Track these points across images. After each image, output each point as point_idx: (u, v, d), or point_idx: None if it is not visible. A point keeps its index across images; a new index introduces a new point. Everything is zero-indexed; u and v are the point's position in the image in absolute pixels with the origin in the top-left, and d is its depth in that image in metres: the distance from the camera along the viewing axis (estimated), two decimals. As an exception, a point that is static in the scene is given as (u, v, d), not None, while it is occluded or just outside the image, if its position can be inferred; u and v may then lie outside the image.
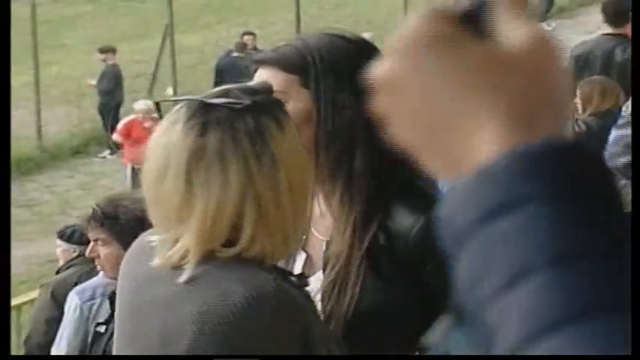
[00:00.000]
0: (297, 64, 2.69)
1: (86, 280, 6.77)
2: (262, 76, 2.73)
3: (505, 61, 0.95)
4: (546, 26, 23.79)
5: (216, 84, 18.11)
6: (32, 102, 18.28)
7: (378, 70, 0.97)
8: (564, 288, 0.86)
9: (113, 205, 5.26)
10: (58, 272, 8.19)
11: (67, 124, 18.83)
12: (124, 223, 5.12)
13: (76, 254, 8.15)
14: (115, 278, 3.54)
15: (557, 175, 0.92)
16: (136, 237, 3.09)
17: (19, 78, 18.71)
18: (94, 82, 18.33)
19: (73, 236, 8.38)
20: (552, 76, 0.97)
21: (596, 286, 0.88)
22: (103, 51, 18.73)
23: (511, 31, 0.96)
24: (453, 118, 0.95)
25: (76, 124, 18.69)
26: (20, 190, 16.33)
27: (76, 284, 6.66)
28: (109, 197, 5.72)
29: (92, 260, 7.42)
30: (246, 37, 18.99)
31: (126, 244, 3.99)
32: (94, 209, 5.26)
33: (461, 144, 0.95)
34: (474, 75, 0.95)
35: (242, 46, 18.46)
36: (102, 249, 5.23)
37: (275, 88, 2.64)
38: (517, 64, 0.95)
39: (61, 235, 8.49)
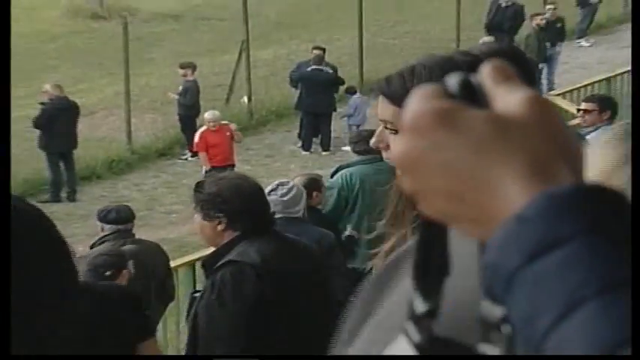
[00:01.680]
0: (403, 96, 2.27)
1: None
2: (378, 105, 2.72)
3: (511, 124, 0.94)
4: (585, 42, 23.69)
5: (300, 91, 18.13)
6: (123, 110, 18.43)
7: (394, 152, 0.98)
8: (617, 313, 0.85)
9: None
10: (92, 246, 8.36)
11: (154, 129, 18.83)
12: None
13: (107, 232, 8.77)
14: None
15: (588, 213, 0.90)
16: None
17: (112, 88, 19.97)
18: (175, 95, 18.36)
19: (106, 216, 8.96)
20: (557, 130, 0.96)
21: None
22: (183, 67, 18.71)
23: (506, 96, 0.95)
24: (476, 184, 0.94)
25: (161, 130, 18.72)
26: (113, 188, 16.66)
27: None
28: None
29: (124, 237, 8.72)
30: (316, 52, 18.36)
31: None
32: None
33: (489, 204, 0.93)
34: (486, 142, 0.93)
35: (318, 59, 18.02)
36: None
37: (386, 119, 2.63)
38: (522, 124, 0.94)
39: (98, 215, 9.15)
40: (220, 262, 4.99)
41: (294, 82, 18.12)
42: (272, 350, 5.06)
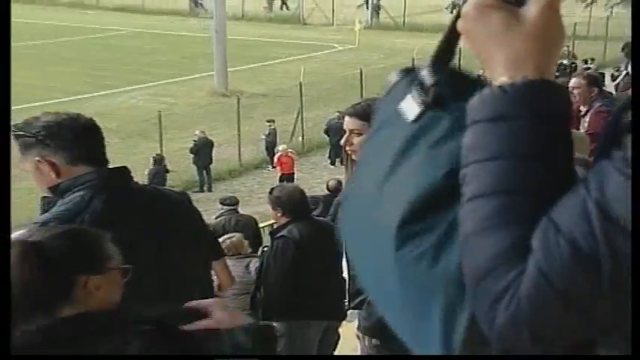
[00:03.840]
0: (367, 113, 3.20)
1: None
2: (345, 121, 3.45)
3: (513, 25, 1.14)
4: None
5: (329, 134, 20.59)
6: (237, 144, 22.17)
7: (461, 18, 1.17)
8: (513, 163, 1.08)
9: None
10: (216, 218, 9.23)
11: (253, 153, 22.67)
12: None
13: (224, 210, 10.02)
14: None
15: (535, 102, 1.09)
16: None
17: (231, 132, 22.79)
18: (263, 135, 21.98)
19: (224, 201, 10.35)
20: (546, 34, 1.13)
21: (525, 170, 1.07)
22: (268, 121, 22.31)
23: (535, 3, 1.13)
24: (485, 56, 1.17)
25: (257, 153, 22.53)
26: (230, 186, 19.77)
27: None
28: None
29: (233, 213, 9.83)
30: (337, 113, 19.53)
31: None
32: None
33: (489, 69, 1.16)
34: (494, 33, 1.15)
35: (337, 118, 19.40)
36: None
37: (352, 128, 3.39)
38: (521, 26, 1.13)
39: (220, 201, 10.62)
40: (277, 235, 5.88)
41: (325, 130, 21.92)
42: (302, 290, 5.71)
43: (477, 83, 1.25)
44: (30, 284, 2.16)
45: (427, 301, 1.21)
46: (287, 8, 49.66)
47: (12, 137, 2.85)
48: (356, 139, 3.35)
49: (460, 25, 1.19)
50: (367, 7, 47.11)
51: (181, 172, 20.26)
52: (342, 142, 3.49)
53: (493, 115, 1.11)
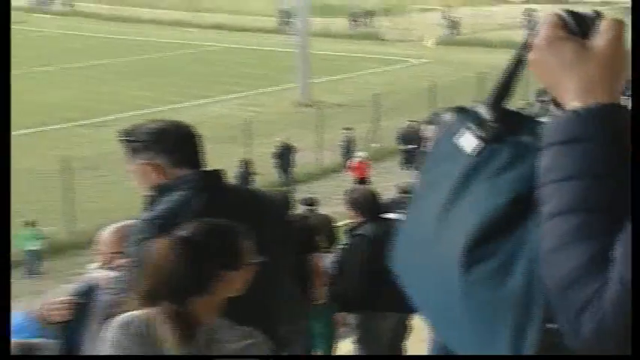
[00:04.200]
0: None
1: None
2: (427, 130, 3.42)
3: (583, 55, 1.15)
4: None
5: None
6: (316, 149, 22.97)
7: (533, 50, 1.17)
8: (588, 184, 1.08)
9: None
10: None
11: (332, 158, 23.18)
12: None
13: (305, 210, 9.78)
14: None
15: (606, 124, 1.10)
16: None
17: (312, 139, 23.41)
18: (341, 143, 23.04)
19: (305, 201, 10.38)
20: (613, 63, 1.14)
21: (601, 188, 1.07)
22: (345, 129, 23.26)
23: (602, 35, 1.14)
24: (557, 85, 1.17)
25: (334, 158, 23.05)
26: (311, 187, 19.93)
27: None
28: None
29: (312, 212, 9.43)
30: (408, 122, 21.82)
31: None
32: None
33: (560, 97, 1.17)
34: (565, 63, 1.16)
35: (410, 126, 21.75)
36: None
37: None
38: (594, 55, 1.14)
39: (300, 201, 10.09)
40: (353, 233, 6.02)
41: (398, 137, 22.96)
42: (373, 281, 5.66)
43: (529, 119, 1.29)
44: (174, 274, 2.23)
45: (494, 322, 1.22)
46: (371, 26, 49.93)
47: (121, 142, 2.98)
48: None
49: (531, 57, 1.20)
50: (444, 24, 47.40)
51: (266, 174, 20.82)
52: (425, 149, 3.50)
53: (567, 137, 1.12)
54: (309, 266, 6.00)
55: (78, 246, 16.97)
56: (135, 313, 2.28)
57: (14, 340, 4.12)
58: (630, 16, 1.23)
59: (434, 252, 1.30)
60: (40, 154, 23.07)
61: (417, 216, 1.38)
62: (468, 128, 1.33)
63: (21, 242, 17.01)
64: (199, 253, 2.27)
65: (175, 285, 2.23)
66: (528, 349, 1.20)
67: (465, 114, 1.37)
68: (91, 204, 18.82)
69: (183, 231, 2.33)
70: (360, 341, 5.99)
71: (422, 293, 1.38)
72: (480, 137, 1.31)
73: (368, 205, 5.95)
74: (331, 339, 6.38)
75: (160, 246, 2.25)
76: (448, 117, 1.38)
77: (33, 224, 17.42)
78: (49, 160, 20.73)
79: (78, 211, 18.51)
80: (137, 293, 2.28)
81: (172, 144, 2.94)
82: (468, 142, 1.32)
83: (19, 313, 4.29)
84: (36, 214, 18.17)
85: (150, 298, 2.24)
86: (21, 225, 17.24)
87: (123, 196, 18.21)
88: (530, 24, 1.47)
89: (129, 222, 3.31)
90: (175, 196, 2.82)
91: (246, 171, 20.02)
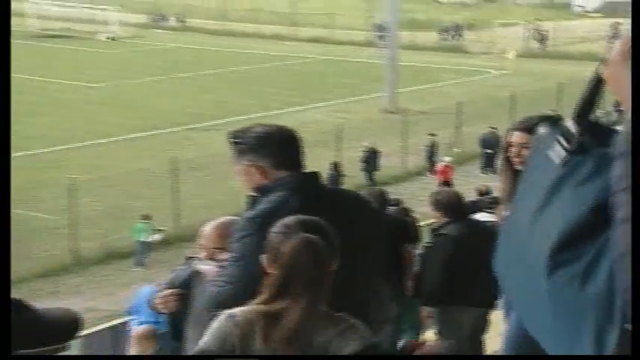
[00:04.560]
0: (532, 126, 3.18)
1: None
2: (514, 136, 3.55)
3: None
4: None
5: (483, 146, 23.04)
6: (401, 153, 23.17)
7: (608, 64, 1.17)
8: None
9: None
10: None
11: (416, 162, 23.35)
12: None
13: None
14: None
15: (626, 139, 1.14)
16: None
17: (396, 144, 23.54)
18: (424, 146, 22.99)
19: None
20: None
21: None
22: (430, 134, 23.24)
23: None
24: (623, 96, 1.18)
25: (418, 162, 23.44)
26: (396, 189, 19.45)
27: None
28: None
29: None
30: (490, 129, 22.47)
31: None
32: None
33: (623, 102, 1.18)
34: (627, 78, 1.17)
35: (491, 132, 22.29)
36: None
37: (522, 142, 3.43)
38: None
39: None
40: (437, 232, 5.94)
41: (479, 143, 23.20)
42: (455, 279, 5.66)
43: (612, 130, 1.30)
44: (303, 272, 2.23)
45: (578, 321, 1.24)
46: (458, 39, 49.88)
47: (230, 143, 2.98)
48: (524, 152, 3.34)
49: (606, 72, 1.21)
50: (532, 38, 46.99)
51: (354, 177, 20.90)
52: (510, 154, 3.51)
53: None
54: (402, 259, 6.07)
55: (183, 239, 17.37)
56: (244, 308, 2.26)
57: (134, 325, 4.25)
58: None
59: (525, 255, 1.34)
60: (152, 156, 23.60)
61: (514, 220, 1.43)
62: (557, 141, 1.37)
63: (136, 234, 17.41)
64: (329, 253, 2.28)
65: (304, 282, 2.22)
66: (609, 349, 1.19)
67: (555, 127, 1.40)
68: (195, 201, 19.21)
69: (306, 230, 2.31)
70: (441, 333, 5.97)
71: (516, 292, 1.40)
72: (566, 149, 1.35)
73: (452, 207, 5.89)
74: (417, 329, 6.39)
75: (290, 244, 2.24)
76: (542, 130, 1.43)
77: (148, 218, 17.75)
78: (160, 160, 21.15)
79: (183, 208, 18.88)
80: (265, 288, 2.26)
81: (275, 147, 2.94)
82: (557, 153, 1.37)
83: (147, 287, 4.38)
84: (147, 209, 18.61)
85: (276, 294, 2.23)
86: (138, 218, 17.77)
87: (224, 194, 18.78)
88: (613, 37, 1.48)
89: (230, 218, 3.32)
90: (274, 197, 2.82)
91: (336, 173, 20.25)
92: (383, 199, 6.39)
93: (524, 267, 1.33)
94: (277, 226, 2.32)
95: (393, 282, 5.87)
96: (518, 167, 3.45)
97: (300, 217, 2.36)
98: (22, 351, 1.84)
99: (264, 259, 2.30)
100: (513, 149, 3.52)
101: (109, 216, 19.27)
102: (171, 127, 28.57)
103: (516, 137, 3.53)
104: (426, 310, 6.03)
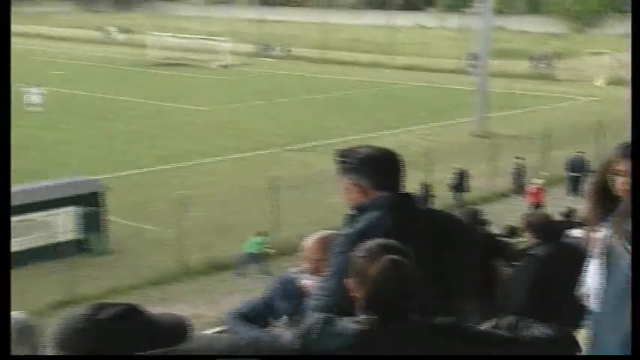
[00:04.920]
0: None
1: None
2: (623, 164, 3.11)
3: None
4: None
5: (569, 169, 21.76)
6: (487, 176, 22.99)
7: None
8: None
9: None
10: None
11: (503, 184, 23.17)
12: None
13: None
14: None
15: None
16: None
17: (489, 168, 23.40)
18: (510, 170, 23.11)
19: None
20: None
21: None
22: (516, 157, 22.89)
23: None
24: None
25: (502, 185, 23.15)
26: (485, 209, 21.43)
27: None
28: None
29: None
30: (577, 153, 22.23)
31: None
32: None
33: None
34: None
35: (577, 156, 22.07)
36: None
37: (626, 169, 3.05)
38: None
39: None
40: (527, 253, 5.85)
41: (566, 166, 22.88)
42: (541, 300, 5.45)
43: None
44: (396, 290, 2.27)
45: None
46: (548, 67, 49.00)
47: (335, 162, 2.98)
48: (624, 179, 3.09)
49: None
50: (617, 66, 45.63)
51: (442, 197, 20.77)
52: (613, 180, 3.19)
53: None
54: (494, 277, 5.93)
55: (282, 252, 17.47)
56: (345, 322, 2.28)
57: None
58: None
59: None
60: (254, 174, 23.86)
61: None
62: None
63: (249, 247, 17.56)
64: (409, 269, 2.29)
65: (394, 300, 2.24)
66: None
67: None
68: (293, 217, 19.28)
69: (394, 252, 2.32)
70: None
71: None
72: None
73: (542, 228, 5.77)
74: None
75: (377, 266, 2.25)
76: None
77: (264, 234, 17.89)
78: (261, 179, 21.36)
79: (282, 223, 18.98)
80: (359, 302, 2.27)
81: (376, 169, 2.93)
82: None
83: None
84: (248, 224, 18.83)
85: (370, 310, 2.25)
86: (242, 232, 17.99)
87: (321, 211, 18.84)
88: None
89: (331, 232, 3.31)
90: (371, 216, 2.80)
91: (426, 194, 20.13)
92: (477, 218, 6.31)
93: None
94: (360, 251, 2.30)
95: (483, 299, 5.79)
96: (617, 193, 3.19)
97: (380, 240, 2.35)
98: (137, 354, 1.89)
99: (349, 282, 2.29)
100: (620, 177, 3.18)
101: (214, 229, 19.53)
102: (273, 147, 28.93)
103: (624, 164, 3.20)
104: (508, 319, 5.93)
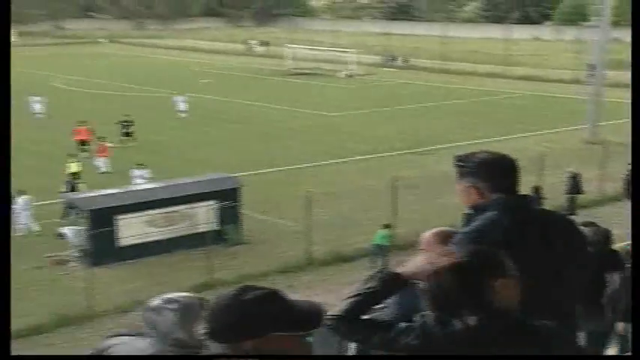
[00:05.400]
0: None
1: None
2: None
3: None
4: None
5: None
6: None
7: None
8: None
9: None
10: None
11: (613, 187, 22.07)
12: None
13: None
14: None
15: None
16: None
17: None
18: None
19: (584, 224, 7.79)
20: None
21: None
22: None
23: None
24: None
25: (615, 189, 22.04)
26: (590, 216, 19.38)
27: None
28: None
29: None
30: None
31: None
32: None
33: None
34: None
35: None
36: None
37: None
38: None
39: None
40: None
41: None
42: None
43: None
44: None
45: None
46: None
47: (454, 166, 2.95)
48: None
49: None
50: None
51: (553, 200, 20.02)
52: None
53: None
54: (604, 281, 5.84)
55: (399, 247, 17.41)
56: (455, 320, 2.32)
57: None
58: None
59: None
60: (375, 175, 23.89)
61: None
62: None
63: (377, 239, 17.61)
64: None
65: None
66: None
67: None
68: (409, 215, 19.16)
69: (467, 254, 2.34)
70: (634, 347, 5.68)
71: None
72: None
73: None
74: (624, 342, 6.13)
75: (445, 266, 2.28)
76: None
77: (389, 226, 17.89)
78: (382, 179, 21.32)
79: (399, 220, 18.92)
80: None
81: (494, 173, 2.90)
82: None
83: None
84: (368, 220, 18.87)
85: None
86: (366, 227, 18.07)
87: (434, 210, 18.70)
88: None
89: (449, 228, 3.30)
90: (488, 215, 2.78)
91: (537, 196, 19.64)
92: (608, 239, 6.15)
93: None
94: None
95: (590, 303, 5.59)
96: None
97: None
98: (278, 333, 1.91)
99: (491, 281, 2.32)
100: None
101: (338, 225, 19.67)
102: (393, 151, 28.87)
103: None
104: (620, 326, 5.78)
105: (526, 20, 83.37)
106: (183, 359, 2.13)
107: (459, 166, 2.96)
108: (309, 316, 1.97)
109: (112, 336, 2.36)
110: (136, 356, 2.05)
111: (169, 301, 2.38)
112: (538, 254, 2.67)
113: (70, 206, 18.09)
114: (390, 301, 3.30)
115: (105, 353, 2.30)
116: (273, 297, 1.97)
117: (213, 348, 1.94)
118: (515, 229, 2.60)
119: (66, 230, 17.61)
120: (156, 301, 2.36)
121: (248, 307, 1.92)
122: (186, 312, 2.37)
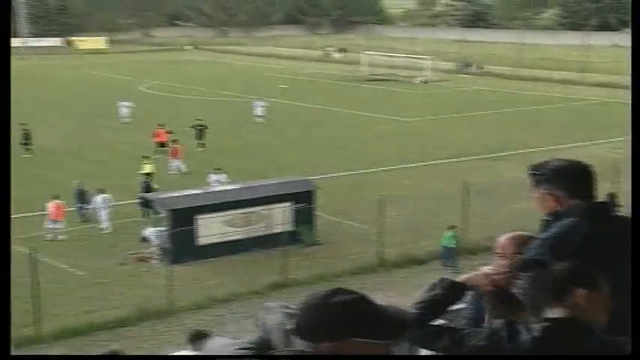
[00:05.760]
0: None
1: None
2: None
3: None
4: None
5: None
6: None
7: None
8: None
9: None
10: None
11: None
12: None
13: None
14: None
15: None
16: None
17: None
18: None
19: None
20: None
21: None
22: None
23: None
24: None
25: None
26: None
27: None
28: None
29: None
30: None
31: None
32: None
33: None
34: None
35: None
36: None
37: None
38: None
39: None
40: None
41: None
42: None
43: None
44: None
45: None
46: None
47: (529, 174, 2.92)
48: None
49: None
50: None
51: (629, 207, 19.61)
52: None
53: None
54: None
55: (469, 251, 17.20)
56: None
57: None
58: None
59: None
60: (449, 180, 23.63)
61: None
62: None
63: (444, 240, 17.48)
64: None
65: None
66: None
67: None
68: (480, 219, 18.87)
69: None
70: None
71: None
72: None
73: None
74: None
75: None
76: None
77: (454, 227, 17.70)
78: (454, 184, 21.06)
79: (470, 225, 18.65)
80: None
81: (570, 179, 2.87)
82: None
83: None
84: (439, 224, 18.65)
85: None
86: (435, 231, 17.95)
87: (505, 215, 18.36)
88: None
89: (525, 232, 3.21)
90: (567, 222, 2.73)
91: (612, 203, 18.99)
92: None
93: None
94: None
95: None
96: None
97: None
98: (356, 339, 1.86)
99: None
100: None
101: (409, 228, 19.57)
102: (465, 156, 28.51)
103: None
104: None
105: (605, 27, 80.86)
106: (182, 359, 2.08)
107: (534, 174, 2.92)
108: (393, 326, 1.92)
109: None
110: (147, 356, 1.97)
111: (284, 306, 2.41)
112: (618, 260, 2.61)
113: (151, 206, 18.42)
114: (454, 308, 3.27)
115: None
116: (359, 303, 1.93)
117: (297, 343, 1.95)
118: (594, 235, 2.56)
119: (147, 233, 17.95)
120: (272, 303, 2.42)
121: (331, 309, 1.91)
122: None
